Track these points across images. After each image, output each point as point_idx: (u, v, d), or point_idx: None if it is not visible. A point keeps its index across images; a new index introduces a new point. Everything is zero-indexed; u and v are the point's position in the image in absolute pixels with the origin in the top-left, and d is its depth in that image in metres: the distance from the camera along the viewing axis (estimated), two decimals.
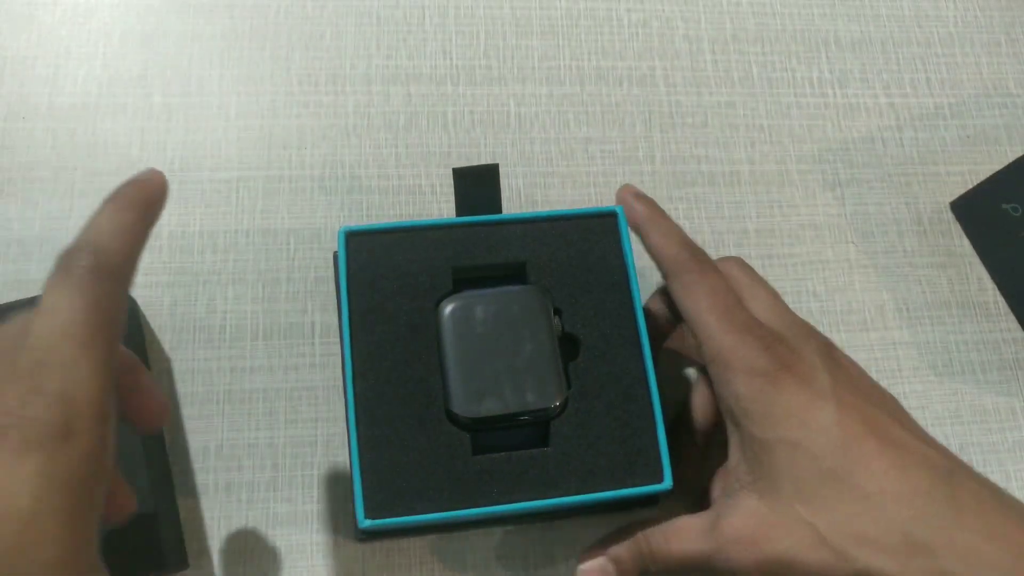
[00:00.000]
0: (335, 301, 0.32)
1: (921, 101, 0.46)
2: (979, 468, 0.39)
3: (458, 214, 0.32)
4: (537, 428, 0.29)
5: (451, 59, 0.44)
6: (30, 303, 0.33)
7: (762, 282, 0.31)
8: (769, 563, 0.25)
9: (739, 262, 0.32)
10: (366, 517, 0.27)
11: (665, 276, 0.31)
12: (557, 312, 0.31)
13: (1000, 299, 0.42)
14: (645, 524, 0.30)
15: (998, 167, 0.41)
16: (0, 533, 0.17)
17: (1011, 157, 0.45)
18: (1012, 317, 0.42)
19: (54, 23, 0.42)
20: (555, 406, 0.29)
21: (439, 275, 0.30)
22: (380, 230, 0.31)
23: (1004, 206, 0.41)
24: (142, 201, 0.23)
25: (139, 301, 0.38)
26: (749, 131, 0.44)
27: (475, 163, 0.37)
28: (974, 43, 0.48)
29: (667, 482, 0.29)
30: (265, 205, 0.40)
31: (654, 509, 0.33)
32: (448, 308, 0.29)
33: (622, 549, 0.29)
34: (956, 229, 0.44)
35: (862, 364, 0.30)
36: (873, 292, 0.42)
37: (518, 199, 0.41)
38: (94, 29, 0.43)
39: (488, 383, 0.28)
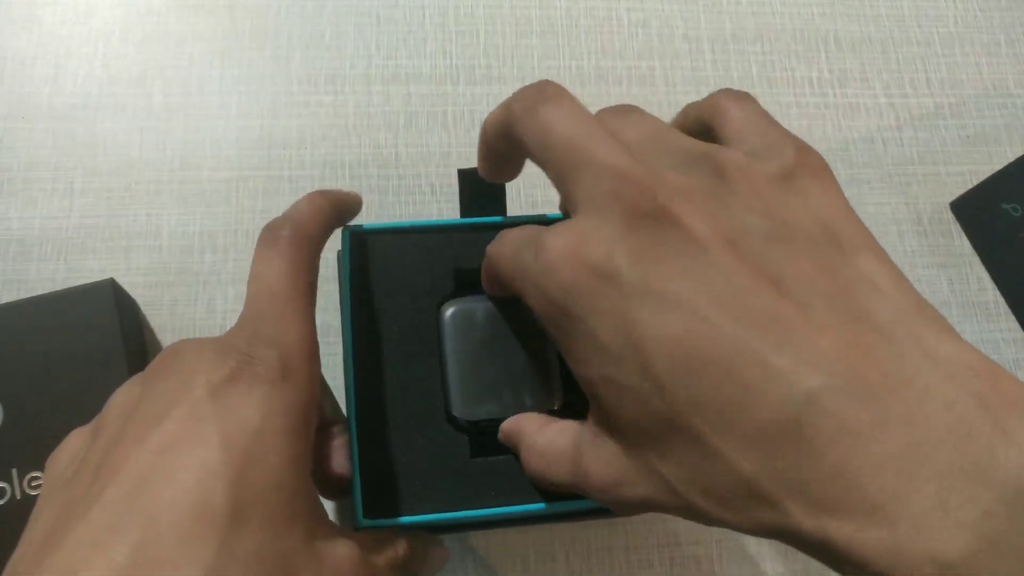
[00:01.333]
0: (335, 300, 0.32)
1: (921, 101, 0.46)
2: None
3: (463, 215, 0.33)
4: None
5: (451, 59, 0.44)
6: (31, 303, 0.33)
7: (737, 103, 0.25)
8: (634, 508, 0.22)
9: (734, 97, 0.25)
10: (364, 517, 0.27)
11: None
12: None
13: (1000, 299, 0.42)
14: (521, 419, 0.27)
15: (998, 167, 0.41)
16: (237, 441, 0.20)
17: (1011, 157, 0.45)
18: (1012, 317, 0.42)
19: (54, 23, 0.42)
20: (553, 410, 0.28)
21: (442, 277, 0.30)
22: (383, 230, 0.30)
23: (1004, 206, 0.41)
24: (336, 199, 0.28)
25: (139, 301, 0.38)
26: None
27: (475, 164, 0.37)
28: (974, 43, 0.48)
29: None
30: (265, 205, 0.40)
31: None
32: (449, 311, 0.29)
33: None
34: (956, 229, 0.44)
35: None
36: None
37: (518, 199, 0.41)
38: (94, 29, 0.43)
39: (487, 387, 0.28)
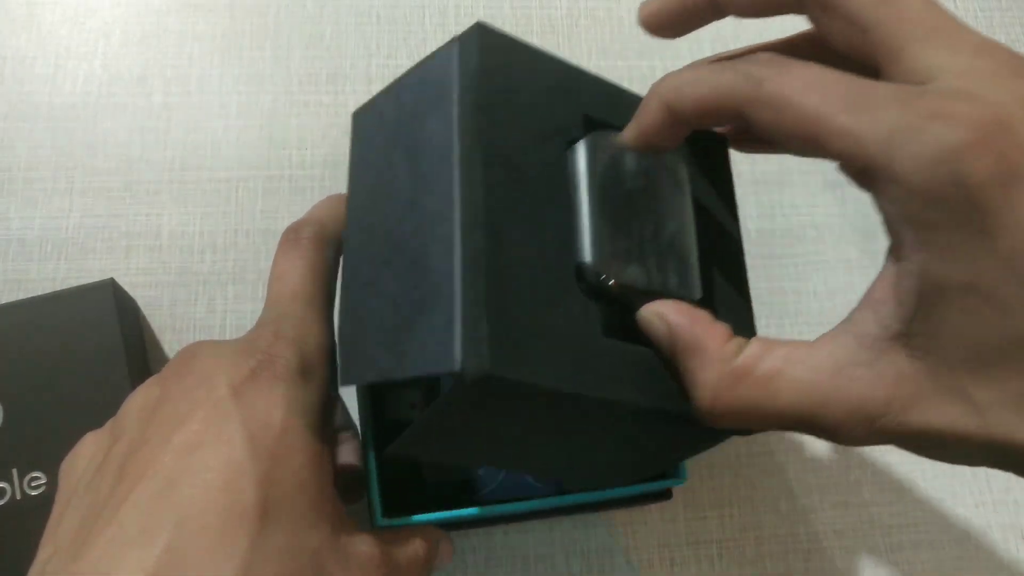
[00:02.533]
0: None
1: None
2: (980, 469, 0.39)
3: None
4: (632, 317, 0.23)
5: None
6: (31, 303, 0.33)
7: None
8: (901, 439, 0.19)
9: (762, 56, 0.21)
10: (383, 516, 0.27)
11: (744, 119, 0.21)
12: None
13: None
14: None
15: None
16: (262, 439, 0.20)
17: None
18: None
19: (54, 23, 0.42)
20: (694, 300, 0.23)
21: (570, 117, 0.23)
22: (520, 41, 0.23)
23: None
24: None
25: (139, 301, 0.38)
26: None
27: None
28: None
29: None
30: (265, 205, 0.40)
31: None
32: (589, 147, 0.23)
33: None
34: None
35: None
36: None
37: None
38: (94, 29, 0.43)
39: (633, 245, 0.22)
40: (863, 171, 0.18)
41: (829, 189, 0.44)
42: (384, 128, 0.26)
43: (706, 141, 0.26)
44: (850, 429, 0.19)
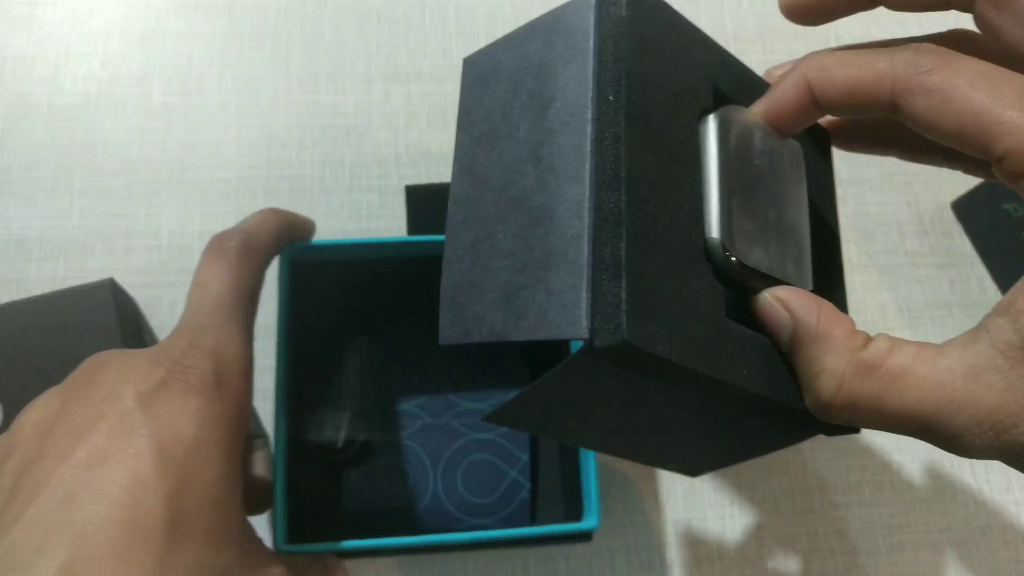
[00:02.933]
0: None
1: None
2: (980, 469, 0.39)
3: (409, 231, 0.32)
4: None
5: (451, 58, 0.44)
6: (31, 303, 0.33)
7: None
8: (1022, 454, 0.18)
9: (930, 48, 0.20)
10: (287, 542, 0.26)
11: (891, 107, 0.20)
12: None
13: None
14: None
15: None
16: (173, 454, 0.20)
17: None
18: None
19: (54, 23, 0.42)
20: (808, 290, 0.22)
21: (702, 86, 0.22)
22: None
23: (1005, 206, 0.41)
24: (289, 219, 0.29)
25: (139, 301, 0.38)
26: None
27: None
28: None
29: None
30: (265, 205, 0.40)
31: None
32: (720, 120, 0.22)
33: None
34: (957, 229, 0.44)
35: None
36: (874, 292, 0.42)
37: None
38: (94, 29, 0.43)
39: (759, 227, 0.21)
40: (1009, 155, 0.18)
41: None
42: (503, 78, 0.24)
43: (810, 133, 0.25)
44: (974, 438, 0.18)
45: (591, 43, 0.20)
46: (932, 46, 0.19)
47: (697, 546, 0.36)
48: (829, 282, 0.24)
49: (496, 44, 0.24)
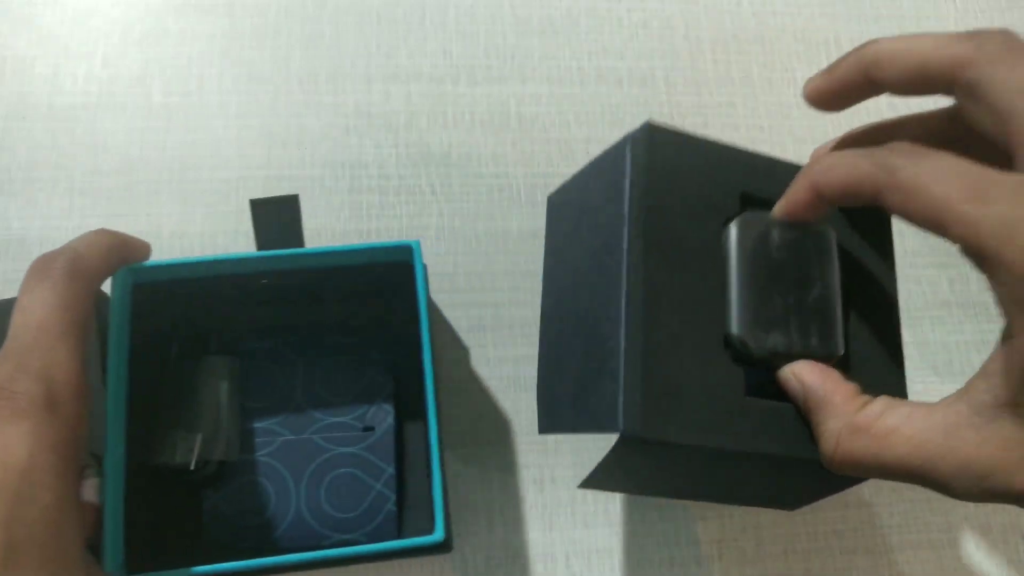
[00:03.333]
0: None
1: (921, 101, 0.46)
2: None
3: (258, 247, 0.32)
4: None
5: (451, 58, 0.44)
6: (9, 303, 0.32)
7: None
8: (1011, 497, 0.21)
9: (992, 51, 0.22)
10: (118, 568, 0.26)
11: (880, 204, 0.23)
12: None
13: None
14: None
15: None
16: (5, 481, 0.20)
17: None
18: None
19: (54, 23, 0.42)
20: (834, 359, 0.26)
21: (728, 196, 0.27)
22: (683, 134, 0.27)
23: None
24: (121, 239, 0.28)
25: None
26: (749, 131, 0.44)
27: (275, 193, 0.38)
28: None
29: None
30: None
31: None
32: (740, 225, 0.26)
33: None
34: None
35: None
36: None
37: (519, 199, 0.41)
38: (94, 28, 0.43)
39: (776, 315, 0.25)
40: (978, 257, 0.20)
41: None
42: (570, 215, 0.31)
43: (868, 212, 0.28)
44: (959, 486, 0.21)
45: (626, 188, 0.26)
46: (905, 145, 0.22)
47: (697, 546, 0.36)
48: (879, 345, 0.27)
49: (568, 183, 0.32)
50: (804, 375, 0.25)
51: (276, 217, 0.32)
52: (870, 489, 0.38)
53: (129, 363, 0.29)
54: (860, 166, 0.23)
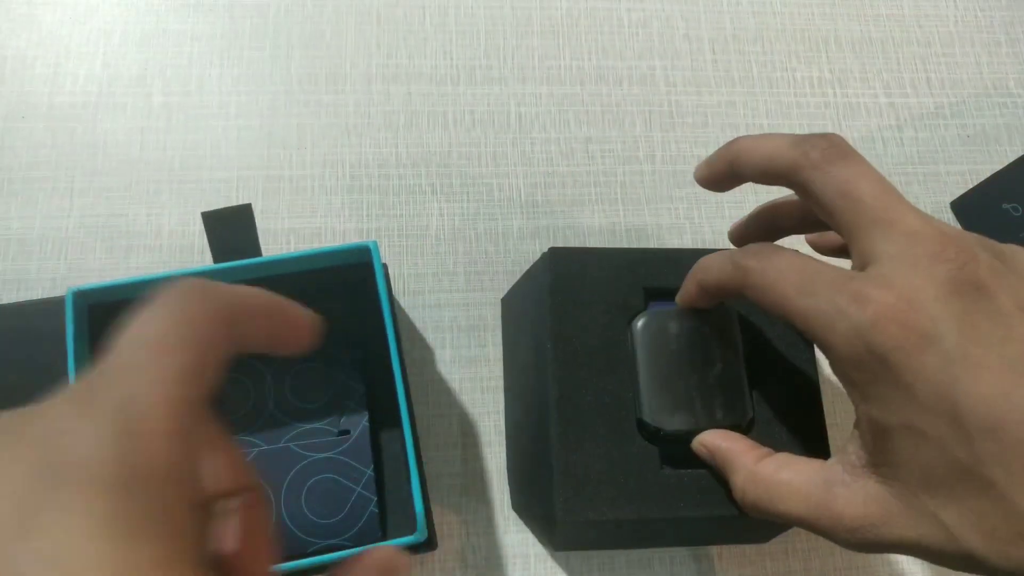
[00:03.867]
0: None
1: (921, 101, 0.46)
2: None
3: (215, 259, 0.32)
4: None
5: (451, 59, 0.44)
6: (33, 305, 0.33)
7: (859, 177, 0.24)
8: (884, 548, 0.23)
9: (817, 158, 0.25)
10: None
11: (744, 294, 0.27)
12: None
13: None
14: (753, 461, 0.27)
15: (998, 167, 0.41)
16: None
17: (1011, 157, 0.45)
18: None
19: (54, 23, 0.42)
20: (738, 426, 0.29)
21: (633, 293, 0.31)
22: (581, 250, 0.32)
23: (1005, 206, 0.41)
24: (279, 307, 0.21)
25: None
26: (749, 131, 0.44)
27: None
28: (974, 43, 0.48)
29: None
30: (265, 205, 0.40)
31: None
32: (642, 323, 0.30)
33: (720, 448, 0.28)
34: None
35: None
36: None
37: (519, 199, 0.41)
38: (94, 29, 0.43)
39: (680, 398, 0.29)
40: (814, 341, 0.24)
41: None
42: (515, 317, 0.36)
43: None
44: (838, 536, 0.24)
45: (545, 296, 0.31)
46: (759, 247, 0.26)
47: (697, 546, 0.36)
48: (800, 395, 0.31)
49: (514, 287, 0.37)
50: (708, 441, 0.29)
51: (230, 228, 0.31)
52: None
53: None
54: (725, 268, 0.27)
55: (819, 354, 0.34)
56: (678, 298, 0.30)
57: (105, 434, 0.14)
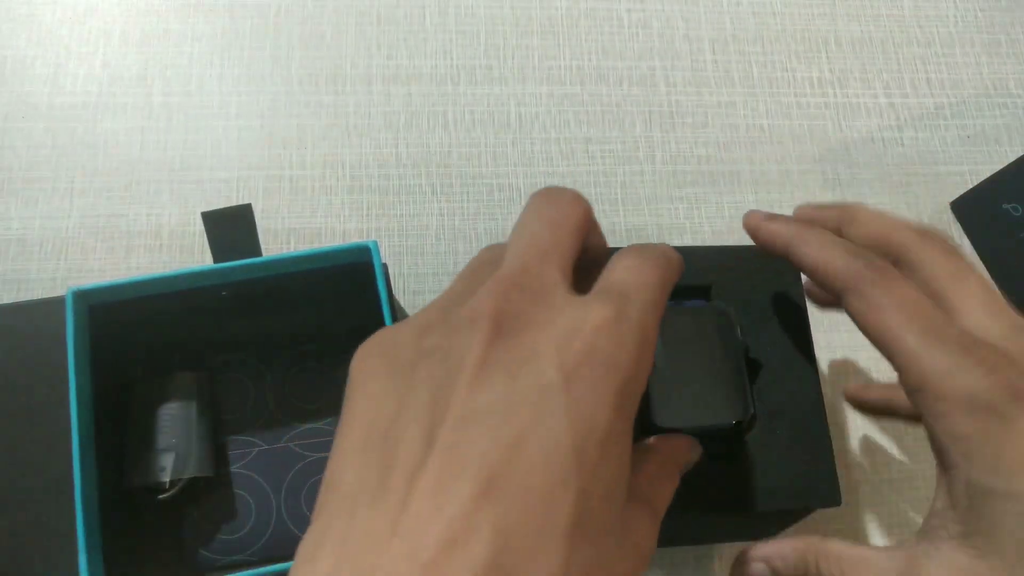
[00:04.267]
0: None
1: (921, 101, 0.46)
2: None
3: (215, 259, 0.32)
4: (725, 443, 0.30)
5: (451, 59, 0.44)
6: (33, 305, 0.33)
7: (968, 271, 0.25)
8: None
9: (937, 245, 0.26)
10: None
11: (839, 296, 0.26)
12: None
13: None
14: (820, 540, 0.26)
15: (998, 167, 0.41)
16: (585, 446, 0.17)
17: (1011, 157, 0.45)
18: None
19: (54, 23, 0.42)
20: (740, 423, 0.29)
21: None
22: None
23: (1005, 206, 0.41)
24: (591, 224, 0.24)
25: None
26: (749, 131, 0.44)
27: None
28: (974, 43, 0.48)
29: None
30: (265, 205, 0.40)
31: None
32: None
33: (786, 562, 0.27)
34: (957, 229, 0.44)
35: (863, 364, 0.30)
36: None
37: (519, 199, 0.41)
38: (94, 29, 0.43)
39: (680, 396, 0.29)
40: (922, 386, 0.23)
41: (829, 189, 0.44)
42: None
43: (784, 280, 0.33)
44: None
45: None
46: (884, 266, 0.25)
47: (697, 546, 0.36)
48: (801, 395, 0.31)
49: None
50: (763, 554, 0.27)
51: (230, 228, 0.31)
52: (869, 489, 0.38)
53: (93, 386, 0.29)
54: (849, 264, 0.25)
55: (823, 353, 0.34)
56: (760, 228, 0.29)
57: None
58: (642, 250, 0.22)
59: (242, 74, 0.42)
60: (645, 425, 0.29)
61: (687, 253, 0.31)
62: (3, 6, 0.42)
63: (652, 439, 0.25)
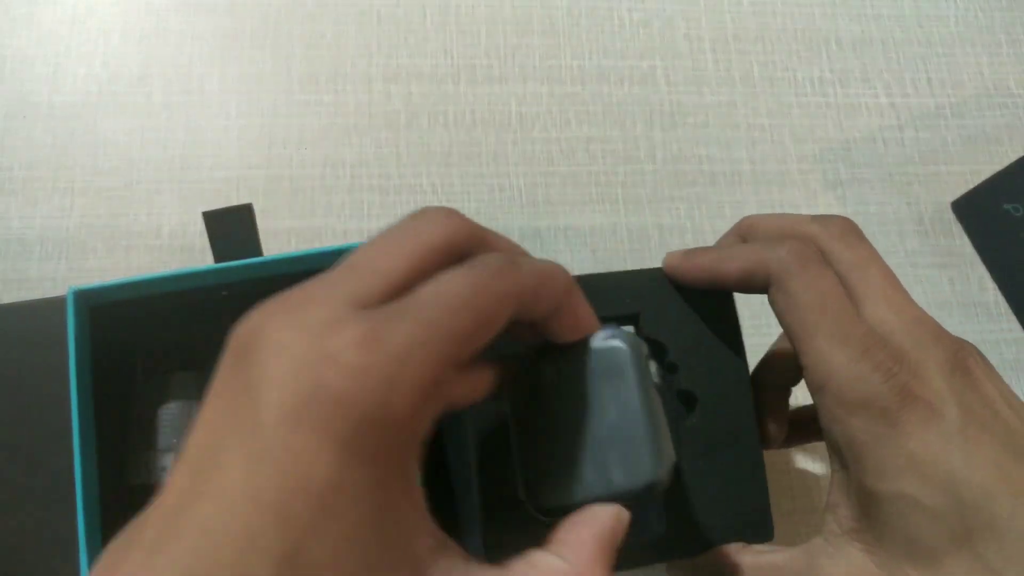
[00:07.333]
0: None
1: (922, 101, 0.46)
2: None
3: (215, 259, 0.31)
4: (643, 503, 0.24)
5: (452, 58, 0.44)
6: (33, 305, 0.33)
7: (870, 260, 0.26)
8: None
9: (839, 233, 0.27)
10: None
11: (768, 293, 0.26)
12: (672, 367, 0.28)
13: (1001, 299, 0.42)
14: (737, 551, 0.27)
15: (999, 167, 0.41)
16: (297, 507, 0.15)
17: (1012, 157, 0.45)
18: (1013, 317, 0.42)
19: (54, 22, 0.42)
20: (651, 484, 0.23)
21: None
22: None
23: (1005, 206, 0.41)
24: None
25: None
26: (750, 130, 0.44)
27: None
28: (975, 43, 0.48)
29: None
30: (265, 204, 0.40)
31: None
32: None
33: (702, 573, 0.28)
34: (957, 229, 0.44)
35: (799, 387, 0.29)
36: None
37: (519, 199, 0.41)
38: (94, 28, 0.42)
39: (562, 465, 0.23)
40: (821, 385, 0.24)
41: (830, 189, 0.44)
42: None
43: (713, 298, 0.29)
44: None
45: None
46: (802, 249, 0.26)
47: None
48: (737, 421, 0.29)
49: None
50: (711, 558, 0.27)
51: (231, 228, 0.31)
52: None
53: (94, 386, 0.29)
54: (769, 251, 0.26)
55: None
56: (678, 265, 0.28)
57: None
58: (486, 258, 0.19)
59: (242, 73, 0.42)
60: (538, 506, 0.23)
61: (618, 279, 0.28)
62: (3, 5, 0.42)
63: (565, 522, 0.21)
